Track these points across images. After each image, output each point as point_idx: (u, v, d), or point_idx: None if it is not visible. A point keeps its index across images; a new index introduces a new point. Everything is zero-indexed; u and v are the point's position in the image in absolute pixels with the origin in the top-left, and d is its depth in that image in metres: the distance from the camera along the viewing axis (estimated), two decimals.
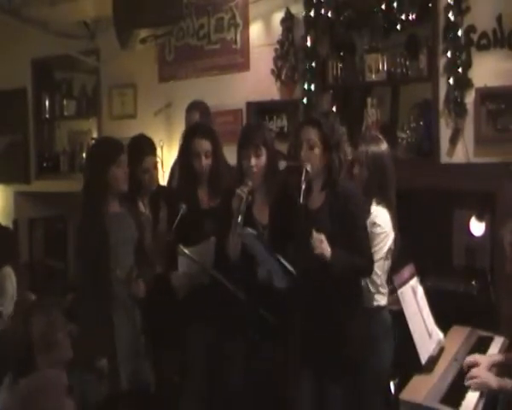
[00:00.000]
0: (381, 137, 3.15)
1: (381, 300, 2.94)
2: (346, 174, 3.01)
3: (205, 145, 3.19)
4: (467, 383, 2.49)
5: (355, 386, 2.76)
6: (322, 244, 2.59)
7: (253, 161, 2.89)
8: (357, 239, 2.71)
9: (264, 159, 2.92)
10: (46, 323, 2.33)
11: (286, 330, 2.76)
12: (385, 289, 2.96)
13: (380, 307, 2.93)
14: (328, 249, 2.60)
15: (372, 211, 2.93)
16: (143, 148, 3.48)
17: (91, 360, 2.95)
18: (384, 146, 3.05)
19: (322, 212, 2.74)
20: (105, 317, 2.98)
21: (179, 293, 3.11)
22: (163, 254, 3.26)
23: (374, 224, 2.90)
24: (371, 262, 2.78)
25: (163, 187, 3.86)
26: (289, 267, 2.66)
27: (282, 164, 4.40)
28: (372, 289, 2.89)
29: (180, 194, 3.24)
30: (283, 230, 2.78)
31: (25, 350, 2.25)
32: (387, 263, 2.97)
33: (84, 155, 5.87)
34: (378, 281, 2.91)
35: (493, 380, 2.50)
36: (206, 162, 3.19)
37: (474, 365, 2.63)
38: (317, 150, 2.74)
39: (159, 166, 3.76)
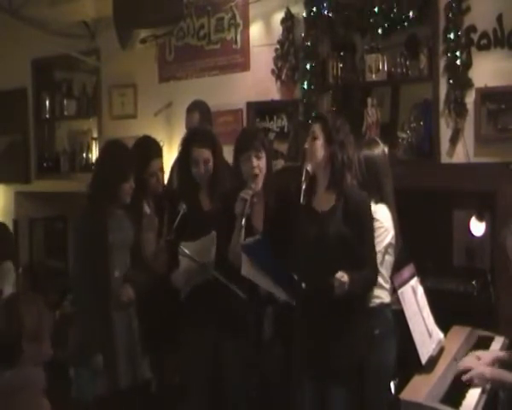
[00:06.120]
0: (377, 140, 3.15)
1: (385, 297, 2.92)
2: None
3: (204, 154, 3.15)
4: (463, 378, 2.48)
5: (358, 386, 2.75)
6: (344, 284, 2.54)
7: (255, 162, 2.89)
8: (364, 248, 2.71)
9: (264, 162, 2.92)
10: (38, 314, 2.32)
11: (287, 330, 2.76)
12: (388, 285, 2.93)
13: (383, 305, 2.91)
14: (347, 282, 2.55)
15: (372, 209, 2.93)
16: (150, 151, 3.43)
17: (87, 357, 2.96)
18: (378, 150, 3.05)
19: (335, 214, 2.72)
20: (103, 315, 2.99)
21: (181, 292, 3.10)
22: (165, 256, 3.25)
23: (373, 219, 2.90)
24: (376, 273, 2.79)
25: (167, 189, 3.83)
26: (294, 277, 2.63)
27: (280, 163, 4.43)
28: None
29: (181, 196, 3.22)
30: (280, 235, 2.76)
31: (13, 339, 2.24)
32: (388, 258, 2.96)
33: (84, 155, 5.89)
34: None
35: (487, 370, 2.51)
36: (205, 169, 3.16)
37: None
38: (319, 142, 2.74)
39: None
